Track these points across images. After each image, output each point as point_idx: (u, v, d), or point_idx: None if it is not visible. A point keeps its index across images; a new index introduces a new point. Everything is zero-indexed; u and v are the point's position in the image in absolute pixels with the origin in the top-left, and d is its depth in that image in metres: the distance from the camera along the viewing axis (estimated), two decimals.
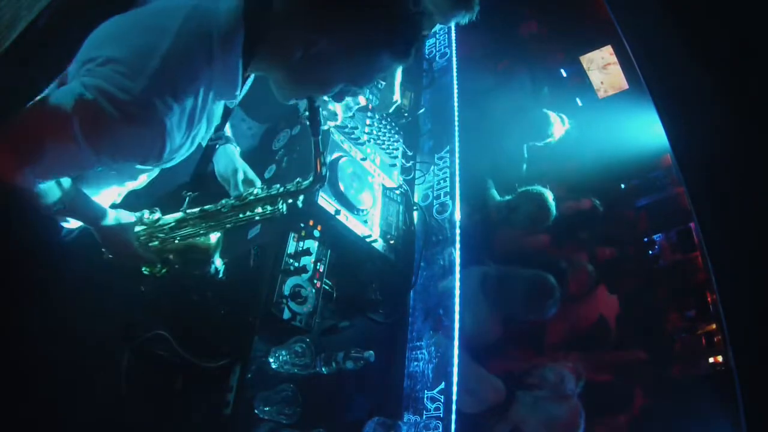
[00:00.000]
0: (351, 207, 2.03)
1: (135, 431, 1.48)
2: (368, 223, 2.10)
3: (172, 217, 1.48)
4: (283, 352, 1.67)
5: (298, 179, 1.46)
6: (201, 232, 1.50)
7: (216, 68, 1.11)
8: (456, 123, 2.67)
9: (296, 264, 1.81)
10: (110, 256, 1.43)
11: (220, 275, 1.61)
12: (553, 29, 4.00)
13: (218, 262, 1.57)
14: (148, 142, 1.10)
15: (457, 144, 2.61)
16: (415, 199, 2.46)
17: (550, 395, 2.36)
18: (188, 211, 1.48)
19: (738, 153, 1.50)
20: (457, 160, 2.55)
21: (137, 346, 1.52)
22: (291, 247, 1.82)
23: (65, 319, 1.39)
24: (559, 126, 3.25)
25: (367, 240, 2.07)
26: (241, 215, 1.48)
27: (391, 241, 2.18)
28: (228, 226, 1.51)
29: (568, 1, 3.87)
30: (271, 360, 1.67)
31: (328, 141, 2.08)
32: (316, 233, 1.92)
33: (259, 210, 1.47)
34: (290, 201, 1.46)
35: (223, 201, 1.49)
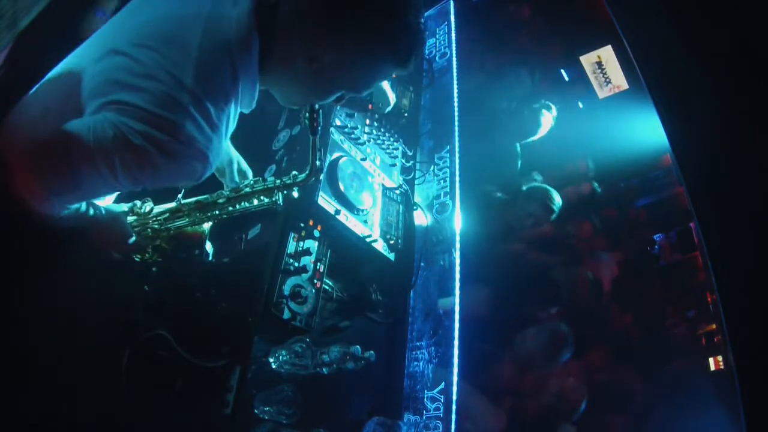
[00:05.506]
0: (351, 207, 2.03)
1: (135, 431, 1.48)
2: (368, 223, 2.10)
3: (165, 207, 1.48)
4: (283, 352, 1.67)
5: (294, 172, 1.49)
6: (195, 222, 1.50)
7: (240, 84, 1.12)
8: (456, 123, 2.67)
9: (296, 264, 1.81)
10: (99, 246, 1.38)
11: (210, 258, 1.62)
12: (553, 29, 4.00)
13: (208, 246, 1.58)
14: (190, 171, 1.09)
15: (457, 144, 2.60)
16: (416, 200, 2.46)
17: None
18: (183, 201, 1.48)
19: (738, 153, 1.50)
20: (457, 160, 2.55)
21: (137, 346, 1.51)
22: (291, 247, 1.82)
23: (65, 319, 1.38)
24: (547, 117, 3.19)
25: (367, 240, 2.07)
26: (237, 206, 1.50)
27: (391, 241, 2.18)
28: (224, 216, 1.52)
29: (568, 1, 3.87)
30: (271, 360, 1.67)
31: (327, 140, 2.08)
32: (316, 233, 1.91)
33: (256, 202, 1.49)
34: (285, 192, 1.48)
35: (219, 192, 1.49)
